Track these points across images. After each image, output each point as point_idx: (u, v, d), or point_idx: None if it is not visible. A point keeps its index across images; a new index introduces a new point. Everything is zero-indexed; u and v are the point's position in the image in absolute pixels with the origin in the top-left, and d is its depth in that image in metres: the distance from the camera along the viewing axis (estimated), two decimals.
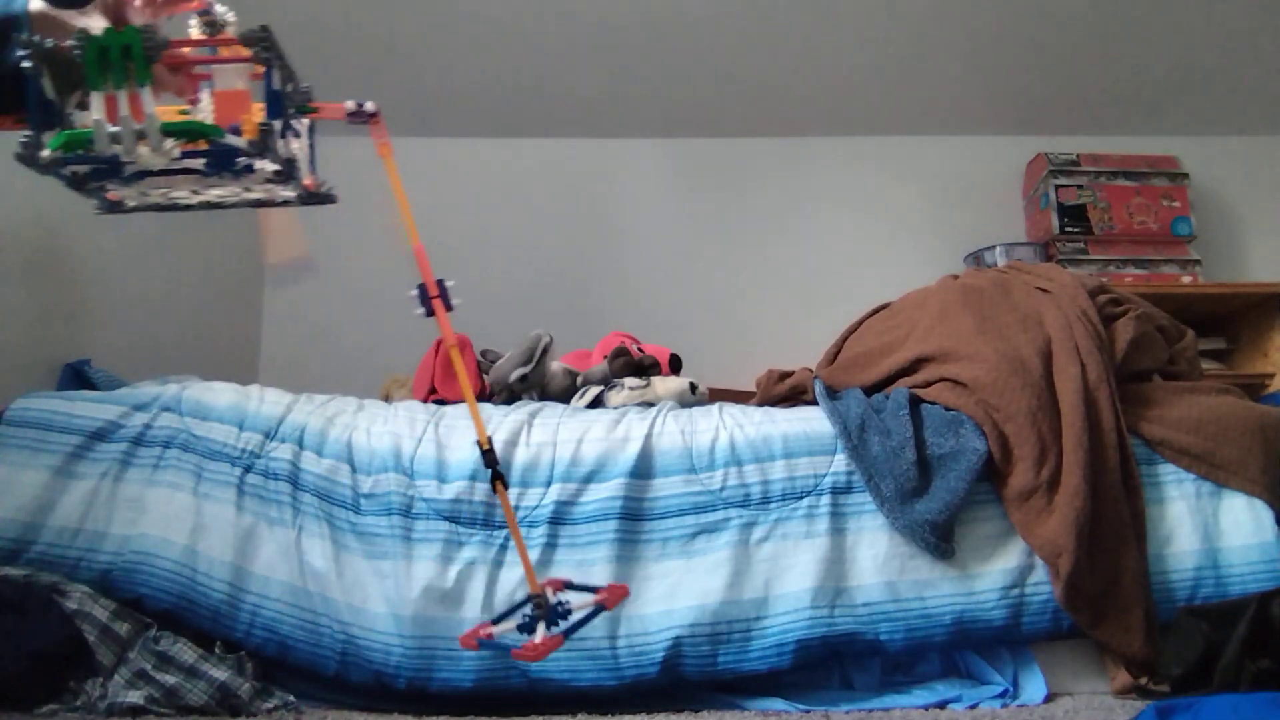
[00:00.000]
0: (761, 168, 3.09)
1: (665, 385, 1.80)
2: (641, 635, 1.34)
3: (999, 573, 1.38)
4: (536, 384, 1.87)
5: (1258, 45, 2.74)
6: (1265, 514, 1.41)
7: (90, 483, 1.44)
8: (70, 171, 0.70)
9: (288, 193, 0.78)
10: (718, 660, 1.34)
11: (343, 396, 1.65)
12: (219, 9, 0.82)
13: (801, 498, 1.42)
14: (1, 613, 1.25)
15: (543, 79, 2.83)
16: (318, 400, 1.60)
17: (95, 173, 0.71)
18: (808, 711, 1.29)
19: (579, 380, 1.90)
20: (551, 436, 1.48)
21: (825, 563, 1.38)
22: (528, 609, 0.87)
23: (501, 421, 1.52)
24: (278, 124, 0.71)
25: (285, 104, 0.74)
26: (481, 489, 1.42)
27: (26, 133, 0.66)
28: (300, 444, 1.49)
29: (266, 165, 0.72)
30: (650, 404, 1.72)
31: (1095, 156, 2.84)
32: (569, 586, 0.96)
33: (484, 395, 1.90)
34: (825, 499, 1.42)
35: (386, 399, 2.05)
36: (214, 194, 0.79)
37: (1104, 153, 2.86)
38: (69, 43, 0.65)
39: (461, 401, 1.78)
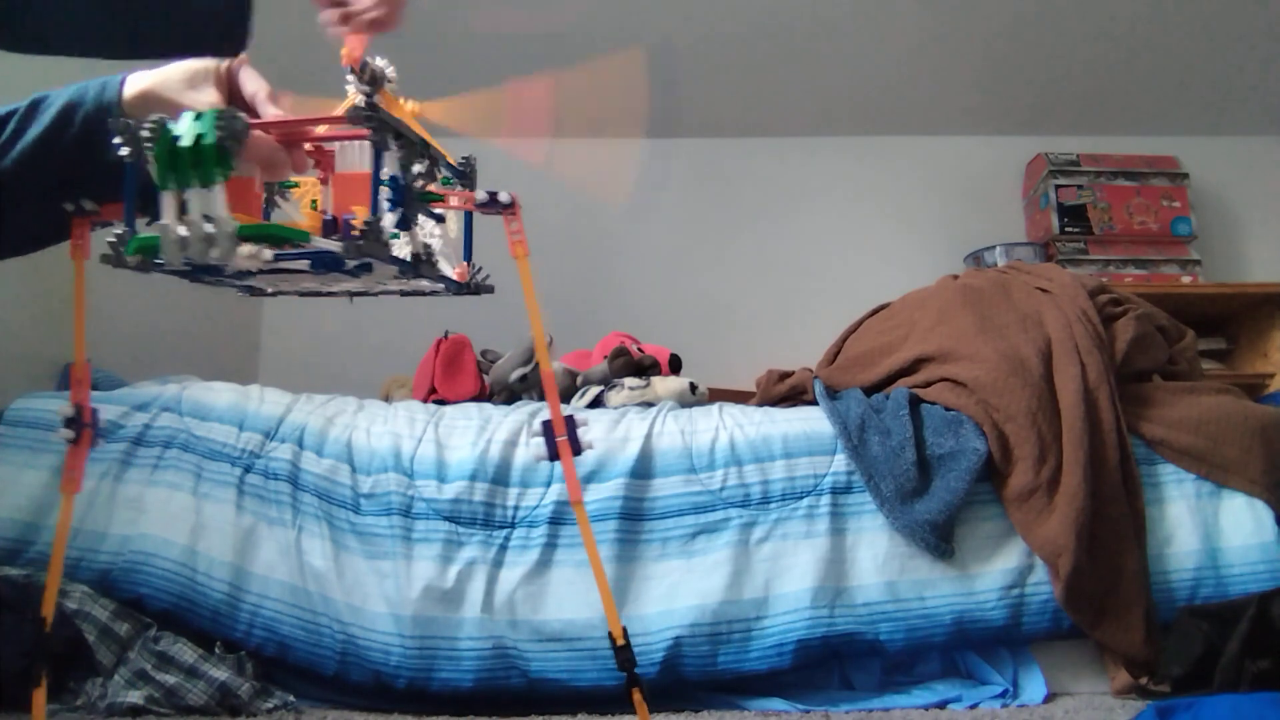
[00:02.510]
0: (762, 168, 3.09)
1: (665, 385, 1.80)
2: (641, 635, 1.34)
3: (999, 573, 1.38)
4: (536, 384, 1.87)
5: (1258, 45, 2.74)
6: (1265, 514, 1.41)
7: (90, 483, 1.44)
8: (175, 269, 0.61)
9: (435, 285, 0.67)
10: (718, 660, 1.34)
11: (343, 396, 1.65)
12: (379, 63, 0.68)
13: (801, 498, 1.42)
14: (1, 613, 1.24)
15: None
16: (318, 400, 1.60)
17: (201, 270, 0.61)
18: (808, 711, 1.29)
19: (579, 380, 1.90)
20: None
21: (825, 563, 1.38)
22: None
23: (501, 421, 1.52)
24: (387, 220, 0.59)
25: (403, 194, 0.61)
26: (481, 489, 1.42)
27: (116, 232, 0.58)
28: (300, 444, 1.49)
29: (386, 266, 0.60)
30: (650, 404, 1.72)
31: (1095, 156, 2.84)
32: None
33: (484, 395, 1.90)
34: (825, 499, 1.42)
35: (386, 399, 2.05)
36: (351, 284, 0.67)
37: (1104, 153, 2.86)
38: (143, 131, 0.55)
39: (461, 402, 1.78)
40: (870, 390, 1.65)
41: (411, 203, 0.62)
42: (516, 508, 1.42)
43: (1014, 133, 3.04)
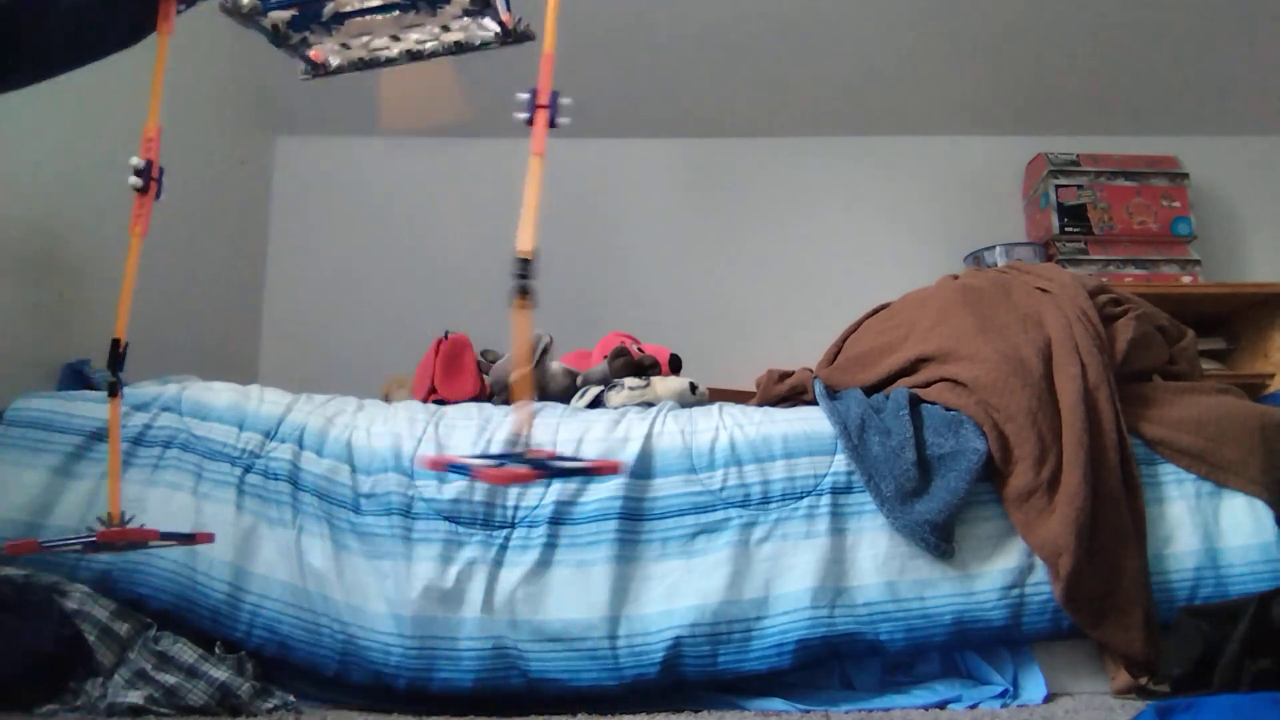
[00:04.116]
0: (761, 168, 3.08)
1: (665, 385, 1.80)
2: (641, 635, 1.34)
3: (999, 573, 1.38)
4: (536, 384, 1.86)
5: (1258, 45, 2.74)
6: (1265, 514, 1.41)
7: (90, 483, 1.44)
8: (271, 25, 0.66)
9: (485, 31, 0.72)
10: (718, 660, 1.34)
11: (343, 396, 1.65)
12: None
13: (801, 498, 1.42)
14: (1, 613, 1.24)
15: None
16: (318, 400, 1.60)
17: (295, 22, 0.67)
18: (808, 711, 1.29)
19: (579, 380, 1.90)
20: (551, 437, 1.48)
21: (825, 563, 1.38)
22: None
23: (501, 422, 1.52)
24: None
25: None
26: (481, 489, 1.42)
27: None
28: (300, 444, 1.49)
29: None
30: (650, 404, 1.72)
31: (1095, 156, 2.84)
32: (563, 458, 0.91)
33: (484, 395, 1.90)
34: (825, 499, 1.42)
35: (386, 399, 2.05)
36: (413, 39, 0.73)
37: (1104, 153, 2.86)
38: None
39: (461, 402, 1.78)
40: (870, 390, 1.65)
41: None
42: (516, 508, 1.42)
43: (1014, 133, 3.04)
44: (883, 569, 1.38)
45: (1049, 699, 1.34)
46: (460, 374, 1.94)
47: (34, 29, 0.76)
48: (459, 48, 0.78)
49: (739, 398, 1.81)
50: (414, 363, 2.06)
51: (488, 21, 0.70)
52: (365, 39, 0.71)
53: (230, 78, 2.69)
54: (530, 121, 0.76)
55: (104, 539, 0.85)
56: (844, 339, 1.92)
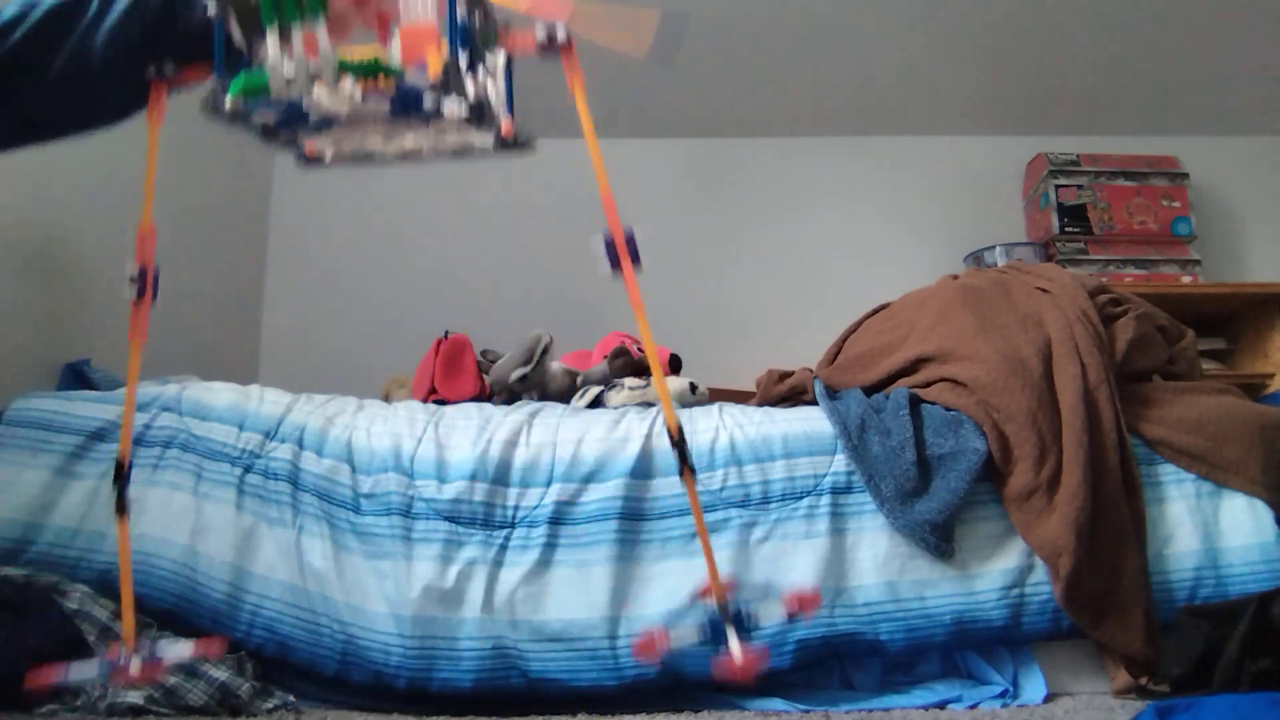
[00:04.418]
0: (762, 168, 3.09)
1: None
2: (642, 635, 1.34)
3: (999, 573, 1.38)
4: (536, 384, 1.87)
5: (1258, 45, 2.74)
6: (1265, 514, 1.41)
7: (90, 483, 1.44)
8: (259, 123, 0.65)
9: (484, 140, 0.71)
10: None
11: (343, 396, 1.65)
12: None
13: (801, 498, 1.42)
14: (1, 613, 1.25)
15: (540, 81, 2.83)
16: (318, 400, 1.60)
17: (283, 122, 0.66)
18: (808, 711, 1.29)
19: (579, 380, 1.90)
20: (551, 437, 1.48)
21: (825, 563, 1.38)
22: (702, 613, 0.80)
23: (501, 422, 1.52)
24: (463, 58, 0.64)
25: (470, 37, 0.66)
26: (481, 489, 1.42)
27: (210, 86, 0.63)
28: (300, 444, 1.48)
29: (456, 108, 0.65)
30: (650, 404, 1.72)
31: (1095, 156, 2.84)
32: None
33: (484, 395, 1.90)
34: (825, 499, 1.42)
35: (386, 399, 2.05)
36: (408, 143, 0.73)
37: (1104, 153, 2.86)
38: None
39: (461, 402, 1.78)
40: (870, 390, 1.65)
41: (477, 49, 0.67)
42: (516, 508, 1.42)
43: (1014, 133, 3.04)
44: (883, 569, 1.38)
45: (1049, 699, 1.34)
46: (460, 374, 1.94)
47: (21, 94, 0.76)
48: (456, 153, 0.78)
49: (739, 398, 1.81)
50: (414, 363, 2.06)
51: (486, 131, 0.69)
52: (358, 137, 0.71)
53: None
54: (616, 267, 0.74)
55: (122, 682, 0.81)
56: (844, 339, 1.92)
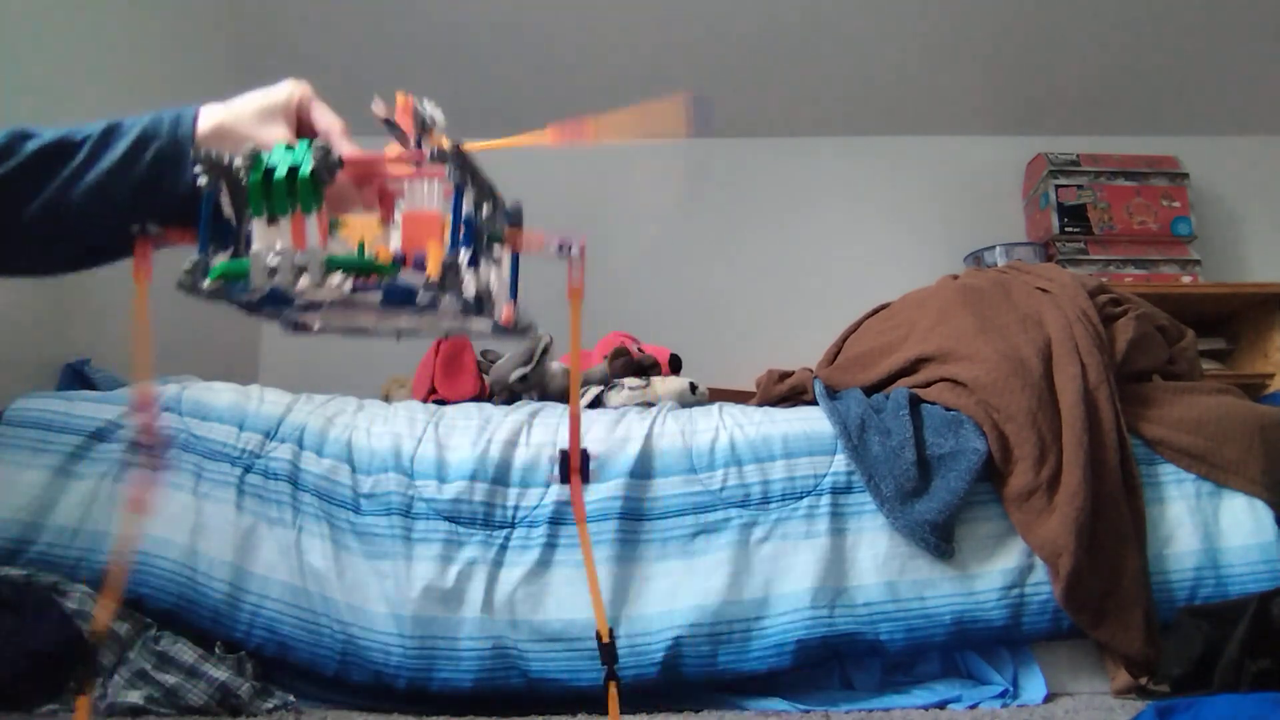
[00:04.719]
0: (761, 168, 3.08)
1: (665, 385, 1.80)
2: (642, 635, 1.34)
3: (999, 573, 1.38)
4: (536, 384, 1.87)
5: (1257, 45, 2.74)
6: (1265, 514, 1.41)
7: (90, 483, 1.44)
8: (241, 300, 0.62)
9: (481, 325, 0.67)
10: (718, 660, 1.34)
11: (343, 396, 1.65)
12: (427, 106, 0.71)
13: (801, 498, 1.42)
14: (1, 613, 1.25)
15: (543, 81, 2.83)
16: (318, 400, 1.60)
17: (267, 301, 0.62)
18: (808, 711, 1.29)
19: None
20: (551, 436, 1.48)
21: (825, 563, 1.38)
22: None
23: (501, 422, 1.52)
24: (464, 256, 0.60)
25: (476, 233, 0.62)
26: (481, 489, 1.42)
27: (192, 259, 0.59)
28: (300, 444, 1.48)
29: (453, 304, 0.61)
30: (650, 404, 1.72)
31: (1095, 156, 2.84)
32: None
33: (484, 395, 1.90)
34: (825, 499, 1.42)
35: (386, 399, 2.05)
36: (403, 323, 0.69)
37: (1104, 153, 2.86)
38: (236, 160, 0.57)
39: (461, 402, 1.78)
40: (870, 390, 1.65)
41: (481, 244, 0.63)
42: (517, 508, 1.42)
43: (1014, 133, 3.04)
44: (883, 569, 1.38)
45: (1049, 699, 1.34)
46: (460, 374, 1.94)
47: (34, 223, 0.71)
48: (451, 333, 0.74)
49: (739, 398, 1.81)
50: (414, 363, 2.06)
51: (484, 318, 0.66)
52: (349, 315, 0.67)
53: (230, 78, 2.69)
54: (564, 481, 0.70)
55: None
56: (844, 339, 1.92)
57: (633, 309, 2.89)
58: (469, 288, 0.60)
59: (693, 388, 1.80)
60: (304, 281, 0.55)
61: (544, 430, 1.50)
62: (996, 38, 2.73)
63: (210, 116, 0.73)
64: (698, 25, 2.66)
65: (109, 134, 0.72)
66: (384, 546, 1.39)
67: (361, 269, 0.57)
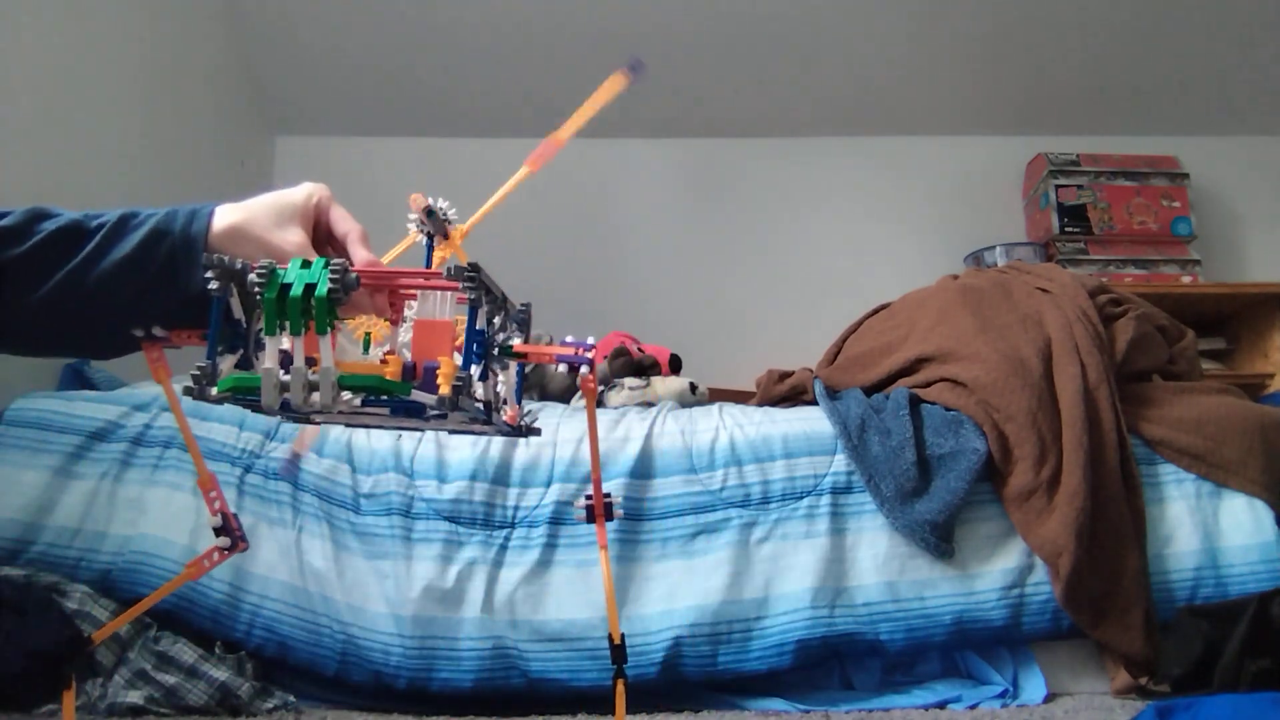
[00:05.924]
0: (762, 168, 3.08)
1: (665, 385, 1.80)
2: (642, 635, 1.34)
3: (999, 573, 1.38)
4: (536, 384, 1.87)
5: (1257, 45, 2.74)
6: (1265, 514, 1.41)
7: (90, 483, 1.44)
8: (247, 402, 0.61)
9: (485, 426, 0.67)
10: (718, 660, 1.34)
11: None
12: (442, 204, 0.71)
13: (801, 498, 1.42)
14: (1, 613, 1.25)
15: (542, 81, 2.83)
16: None
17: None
18: (808, 711, 1.29)
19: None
20: (551, 436, 1.48)
21: (825, 563, 1.38)
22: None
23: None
24: (475, 372, 0.60)
25: (488, 348, 0.62)
26: (481, 489, 1.42)
27: (199, 364, 0.57)
28: None
29: (462, 414, 0.61)
30: (650, 404, 1.72)
31: (1095, 156, 2.84)
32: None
33: None
34: (825, 499, 1.42)
35: None
36: (409, 424, 0.68)
37: (1104, 153, 2.86)
38: (251, 276, 0.56)
39: None
40: (870, 390, 1.65)
41: (493, 356, 0.63)
42: (516, 508, 1.42)
43: (1014, 133, 3.04)
44: (883, 569, 1.38)
45: (1049, 699, 1.34)
46: None
47: (43, 307, 0.69)
48: (454, 433, 0.74)
49: (739, 398, 1.81)
50: None
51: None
52: (355, 415, 0.66)
53: (231, 78, 2.69)
54: (590, 520, 0.75)
55: None
56: (844, 339, 1.92)
57: (633, 308, 2.89)
58: (478, 397, 0.60)
59: (693, 388, 1.80)
60: (316, 398, 0.55)
61: (543, 430, 1.50)
62: (996, 38, 2.73)
63: (225, 216, 0.71)
64: (698, 25, 2.66)
65: (123, 224, 0.71)
66: (384, 546, 1.40)
67: (373, 388, 0.56)
